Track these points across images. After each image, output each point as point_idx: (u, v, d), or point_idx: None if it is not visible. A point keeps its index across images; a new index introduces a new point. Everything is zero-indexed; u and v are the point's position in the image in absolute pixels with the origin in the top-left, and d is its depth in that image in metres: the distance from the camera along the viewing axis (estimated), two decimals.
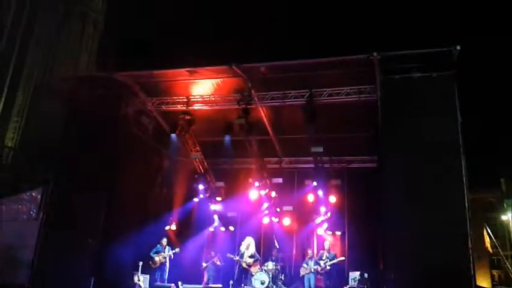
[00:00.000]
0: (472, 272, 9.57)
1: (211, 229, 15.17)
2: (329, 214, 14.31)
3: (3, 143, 24.73)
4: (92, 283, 11.42)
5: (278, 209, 14.93)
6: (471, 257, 9.66)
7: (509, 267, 29.07)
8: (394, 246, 10.13)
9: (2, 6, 25.08)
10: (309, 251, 13.49)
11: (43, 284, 11.49)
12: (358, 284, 11.85)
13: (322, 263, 12.92)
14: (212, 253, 14.15)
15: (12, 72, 25.36)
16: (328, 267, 12.83)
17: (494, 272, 30.85)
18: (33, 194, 13.57)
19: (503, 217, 30.30)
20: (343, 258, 13.04)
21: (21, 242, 12.70)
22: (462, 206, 9.93)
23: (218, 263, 13.87)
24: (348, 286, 12.13)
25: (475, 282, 9.90)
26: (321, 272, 12.89)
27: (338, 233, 14.39)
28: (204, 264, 13.88)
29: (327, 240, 13.66)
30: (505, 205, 30.11)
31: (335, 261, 12.88)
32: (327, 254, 13.09)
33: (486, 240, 29.47)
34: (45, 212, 12.46)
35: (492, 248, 30.13)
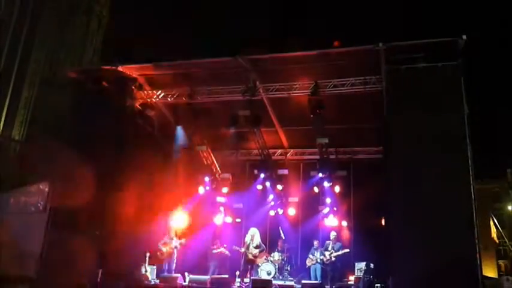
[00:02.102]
0: (479, 262, 9.57)
1: (217, 221, 15.22)
2: (335, 205, 14.34)
3: (10, 136, 24.90)
4: (99, 275, 11.51)
5: (283, 200, 14.97)
6: (477, 247, 9.64)
7: None
8: (400, 236, 10.13)
9: (8, 1, 25.13)
10: (315, 242, 13.53)
11: (50, 276, 11.59)
12: (364, 274, 11.88)
13: (327, 253, 12.97)
14: (219, 244, 14.18)
15: (18, 66, 25.47)
16: (333, 258, 12.88)
17: (501, 262, 30.82)
18: (41, 187, 13.65)
19: (510, 207, 30.23)
20: (348, 250, 13.05)
21: (28, 234, 12.80)
22: (468, 196, 9.90)
23: (226, 252, 13.94)
24: (353, 276, 12.17)
25: (482, 272, 9.91)
26: (327, 262, 12.95)
27: (344, 223, 14.41)
28: (215, 251, 13.89)
29: (332, 231, 13.68)
30: (511, 195, 30.00)
31: (340, 252, 12.93)
32: (333, 245, 13.14)
33: (492, 231, 29.48)
34: (53, 204, 12.55)
35: (498, 238, 30.12)
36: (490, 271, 27.02)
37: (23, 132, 25.38)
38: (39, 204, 13.49)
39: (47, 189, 13.30)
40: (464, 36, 10.29)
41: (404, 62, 11.00)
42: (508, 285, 13.33)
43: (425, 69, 10.89)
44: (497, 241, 29.83)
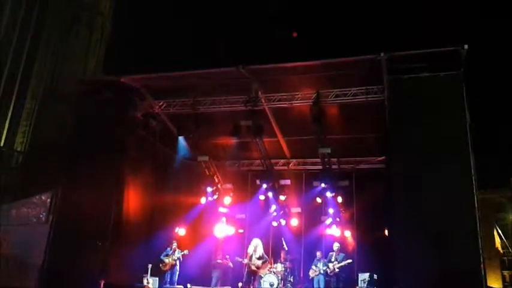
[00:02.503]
0: (483, 273, 9.49)
1: (219, 232, 15.14)
2: (337, 215, 14.28)
3: (12, 147, 24.94)
4: (101, 286, 11.46)
5: (286, 210, 14.92)
6: (482, 257, 9.57)
7: None
8: (403, 247, 10.06)
9: (11, 12, 25.33)
10: (318, 253, 13.45)
11: (52, 287, 11.54)
12: (367, 285, 11.80)
13: (331, 265, 12.88)
14: (221, 255, 14.11)
15: (21, 77, 25.59)
16: (337, 269, 12.79)
17: (505, 273, 30.53)
18: (43, 198, 13.67)
19: None
20: (351, 260, 12.96)
21: (30, 245, 12.79)
22: (472, 206, 9.84)
23: (229, 263, 13.86)
24: (357, 287, 12.08)
25: (486, 283, 9.81)
26: (330, 273, 12.86)
27: (347, 234, 14.34)
28: (217, 262, 13.78)
29: (335, 241, 13.60)
30: None
31: (344, 263, 12.84)
32: (336, 256, 13.05)
33: (496, 241, 29.23)
34: (55, 215, 12.53)
35: (503, 248, 29.89)
36: (494, 282, 26.76)
37: (25, 143, 25.41)
38: (41, 216, 13.51)
39: (49, 201, 13.31)
40: (466, 46, 10.31)
41: (406, 71, 11.03)
42: None
43: (427, 79, 10.91)
44: (501, 251, 29.59)
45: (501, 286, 27.32)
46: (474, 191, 9.97)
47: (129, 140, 13.02)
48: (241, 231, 15.40)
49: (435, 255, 9.55)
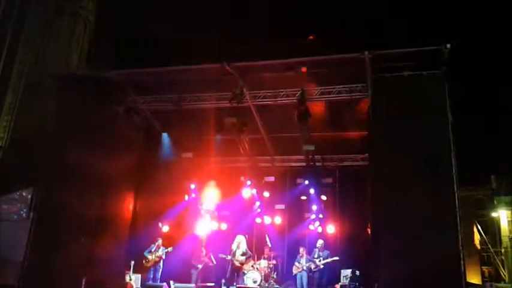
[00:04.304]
0: (463, 269, 9.66)
1: (203, 228, 15.12)
2: (321, 212, 14.37)
3: None
4: (83, 283, 11.36)
5: (270, 207, 14.97)
6: (462, 253, 9.74)
7: (499, 264, 29.38)
8: (385, 243, 10.18)
9: None
10: (301, 249, 13.51)
11: (34, 284, 11.40)
12: (349, 281, 11.89)
13: (316, 261, 12.96)
14: (205, 252, 14.07)
15: (1, 71, 25.12)
16: (322, 266, 12.88)
17: (484, 269, 31.09)
18: (24, 194, 13.43)
19: (493, 214, 30.58)
20: (337, 258, 13.01)
21: (11, 242, 12.56)
22: (452, 203, 10.01)
23: (213, 262, 13.82)
24: (339, 284, 12.18)
25: (466, 278, 9.99)
26: (314, 269, 12.95)
27: (330, 231, 14.43)
28: (200, 266, 13.70)
29: (319, 238, 13.68)
30: (495, 202, 30.37)
31: (328, 260, 12.91)
32: (320, 252, 13.14)
33: (476, 237, 29.75)
34: (36, 212, 12.36)
35: (481, 244, 30.42)
36: (474, 277, 27.23)
37: (6, 138, 24.97)
38: (21, 212, 13.27)
39: (30, 197, 13.10)
40: (448, 45, 10.45)
41: (389, 70, 11.14)
42: None
43: (410, 78, 11.04)
44: (478, 247, 30.13)
45: (480, 282, 27.80)
46: (455, 189, 10.13)
47: (112, 136, 12.90)
48: (224, 227, 15.39)
49: (416, 251, 9.68)
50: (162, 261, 13.35)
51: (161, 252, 13.32)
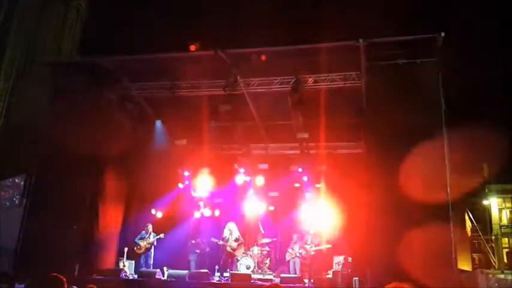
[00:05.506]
0: (454, 255, 9.78)
1: (196, 215, 15.16)
2: (314, 199, 14.41)
3: None
4: (76, 269, 11.39)
5: (263, 194, 15.01)
6: (453, 240, 9.86)
7: (489, 251, 29.77)
8: (377, 230, 10.27)
9: None
10: (294, 236, 13.59)
11: (26, 272, 11.40)
12: (342, 268, 11.99)
13: (308, 247, 13.05)
14: (198, 238, 14.12)
15: None
16: (313, 252, 12.97)
17: (475, 256, 31.51)
18: (16, 181, 13.42)
19: (484, 202, 30.90)
20: (330, 245, 13.12)
21: (3, 229, 12.57)
22: (444, 190, 10.09)
23: (207, 249, 13.89)
24: (332, 270, 12.28)
25: (457, 265, 10.12)
26: (306, 256, 13.04)
27: (323, 218, 14.49)
28: (198, 251, 13.79)
29: (312, 225, 13.75)
30: (486, 190, 30.67)
31: (321, 247, 13.01)
32: (312, 239, 13.22)
33: (467, 225, 30.09)
34: (29, 198, 12.34)
35: (472, 232, 30.79)
36: (465, 264, 27.56)
37: None
38: (14, 199, 13.26)
39: (22, 183, 13.08)
40: (442, 34, 10.45)
41: (384, 58, 11.14)
42: (482, 277, 13.64)
43: (404, 66, 11.05)
44: (469, 234, 30.50)
45: (471, 268, 28.16)
46: (447, 176, 10.21)
47: (105, 123, 12.84)
48: (217, 214, 15.42)
49: (408, 238, 9.77)
50: (153, 247, 13.39)
51: (153, 238, 13.35)
